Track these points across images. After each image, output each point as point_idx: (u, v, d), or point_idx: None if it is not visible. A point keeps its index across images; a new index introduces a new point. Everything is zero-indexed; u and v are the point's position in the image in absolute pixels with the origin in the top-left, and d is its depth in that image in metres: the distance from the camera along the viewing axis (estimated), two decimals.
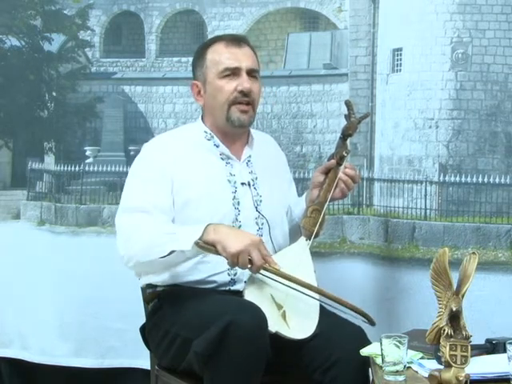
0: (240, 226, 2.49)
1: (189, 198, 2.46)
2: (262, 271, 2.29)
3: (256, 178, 2.59)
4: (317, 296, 2.34)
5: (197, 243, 2.27)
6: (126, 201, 2.49)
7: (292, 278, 2.30)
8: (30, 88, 3.85)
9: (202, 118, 2.64)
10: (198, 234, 2.27)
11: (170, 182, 2.47)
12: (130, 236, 2.41)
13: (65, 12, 3.84)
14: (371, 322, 2.35)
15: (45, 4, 3.83)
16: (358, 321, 2.39)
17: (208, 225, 2.30)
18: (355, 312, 2.34)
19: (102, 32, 3.89)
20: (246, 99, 2.51)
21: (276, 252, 2.54)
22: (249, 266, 2.27)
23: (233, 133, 2.57)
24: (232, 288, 2.47)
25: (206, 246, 2.27)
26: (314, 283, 2.38)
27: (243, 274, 2.42)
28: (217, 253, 2.28)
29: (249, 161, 2.61)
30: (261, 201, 2.56)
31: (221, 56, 2.53)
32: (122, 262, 2.43)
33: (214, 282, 2.47)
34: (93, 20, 3.85)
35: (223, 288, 2.48)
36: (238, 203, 2.52)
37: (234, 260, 2.26)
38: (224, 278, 2.47)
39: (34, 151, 3.89)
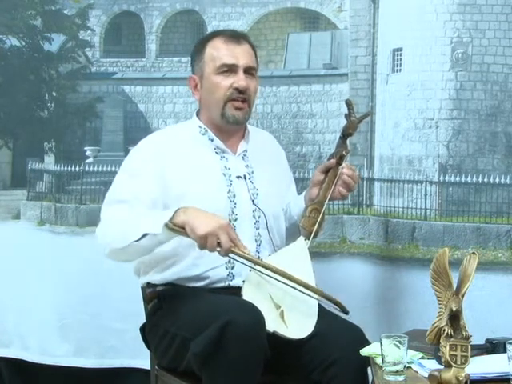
0: (236, 219, 2.49)
1: (183, 192, 2.46)
2: (230, 255, 2.29)
3: (252, 172, 2.59)
4: (289, 282, 2.31)
5: (166, 225, 2.27)
6: (110, 193, 2.52)
7: (262, 264, 2.30)
8: (30, 88, 3.85)
9: (198, 113, 2.64)
10: (168, 217, 2.28)
11: (158, 176, 2.47)
12: (107, 224, 2.43)
13: (65, 12, 3.84)
14: (344, 311, 2.34)
15: (45, 4, 3.84)
16: (348, 317, 2.39)
17: (180, 207, 2.30)
18: (327, 300, 2.33)
19: (102, 32, 3.89)
20: (242, 96, 2.52)
21: (273, 246, 2.55)
22: (217, 249, 2.27)
23: (227, 128, 2.58)
24: (231, 283, 2.47)
25: (176, 227, 2.28)
26: (313, 283, 2.38)
27: (241, 268, 2.41)
28: (186, 235, 2.28)
29: (245, 155, 2.62)
30: (257, 194, 2.56)
31: (219, 52, 2.53)
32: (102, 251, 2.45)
33: (212, 276, 2.47)
34: (93, 20, 3.85)
35: (222, 283, 2.47)
36: (234, 196, 2.52)
37: (202, 242, 2.26)
38: (222, 272, 2.47)
39: (34, 151, 3.89)
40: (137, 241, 2.32)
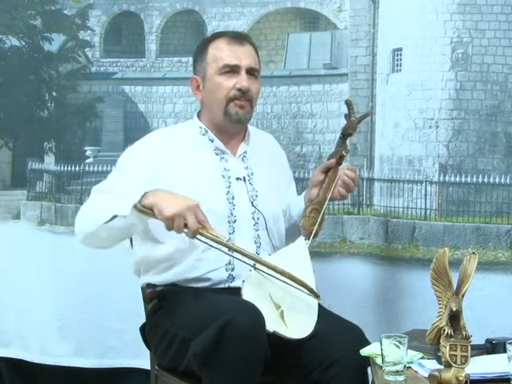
0: (235, 221, 2.49)
1: (181, 192, 2.45)
2: (198, 236, 2.28)
3: (252, 174, 2.59)
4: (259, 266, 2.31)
5: (135, 206, 2.27)
6: (97, 185, 2.51)
7: (234, 248, 2.30)
8: (30, 88, 3.85)
9: (199, 114, 2.64)
10: (137, 198, 2.28)
11: (150, 174, 2.46)
12: (82, 210, 2.45)
13: (65, 12, 3.84)
14: (315, 295, 2.34)
15: (45, 4, 3.84)
16: (348, 316, 2.40)
17: (149, 190, 2.31)
18: (296, 282, 2.31)
19: (102, 32, 3.89)
20: (244, 97, 2.52)
21: (273, 247, 2.55)
22: (185, 230, 2.27)
23: (229, 128, 2.58)
24: (231, 285, 2.47)
25: (144, 209, 2.28)
26: (313, 283, 2.38)
27: (241, 269, 2.41)
28: (154, 216, 2.28)
29: (244, 156, 2.61)
30: (257, 196, 2.56)
31: (221, 52, 2.54)
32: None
33: (212, 278, 2.47)
34: (93, 20, 3.85)
35: (222, 285, 2.47)
36: (233, 198, 2.52)
37: (169, 223, 2.25)
38: (222, 273, 2.47)
39: (34, 151, 3.89)
40: (107, 222, 2.31)
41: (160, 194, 2.29)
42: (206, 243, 2.32)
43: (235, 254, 2.34)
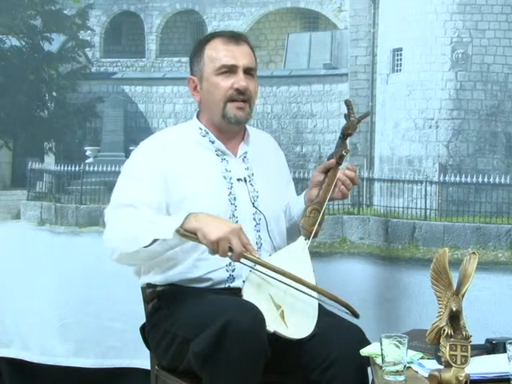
0: (237, 222, 2.49)
1: (184, 194, 2.46)
2: (242, 259, 2.29)
3: (252, 174, 2.60)
4: (299, 286, 2.31)
5: (178, 231, 2.27)
6: (115, 197, 2.50)
7: (273, 268, 2.29)
8: (30, 88, 3.85)
9: (198, 115, 2.65)
10: (179, 222, 2.28)
11: (161, 179, 2.47)
12: (115, 229, 2.42)
13: (65, 12, 3.84)
14: (355, 315, 2.34)
15: (45, 4, 3.84)
16: (348, 316, 2.39)
17: (190, 213, 2.30)
18: (338, 303, 2.33)
19: (102, 32, 3.89)
20: (242, 97, 2.52)
21: (274, 248, 2.56)
22: (229, 253, 2.27)
23: (228, 129, 2.58)
24: (231, 285, 2.47)
25: (187, 233, 2.28)
26: (313, 283, 2.38)
27: (242, 270, 2.42)
28: (197, 240, 2.28)
29: (245, 157, 2.62)
30: (257, 196, 2.56)
31: (218, 53, 2.54)
32: (108, 256, 2.44)
33: (213, 278, 2.47)
34: (93, 20, 3.85)
35: (222, 285, 2.48)
36: (235, 199, 2.53)
37: (214, 247, 2.26)
38: (222, 274, 2.47)
39: (34, 151, 3.89)
40: (147, 246, 2.31)
41: (202, 218, 2.29)
42: (250, 267, 2.32)
43: (277, 276, 2.31)
